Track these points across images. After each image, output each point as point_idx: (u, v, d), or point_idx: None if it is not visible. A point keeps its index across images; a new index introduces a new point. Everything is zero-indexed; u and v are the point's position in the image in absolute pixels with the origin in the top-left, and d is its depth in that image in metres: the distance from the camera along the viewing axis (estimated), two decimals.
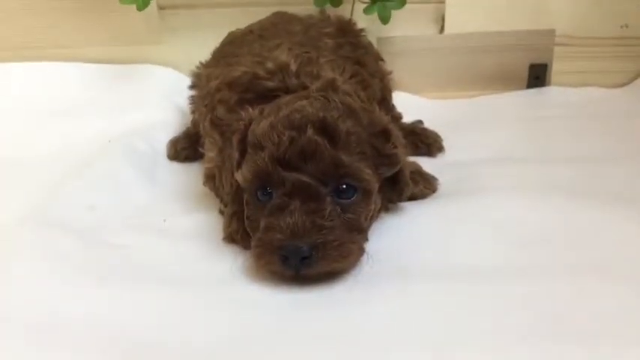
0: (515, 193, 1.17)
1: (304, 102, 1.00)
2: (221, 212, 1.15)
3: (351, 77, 1.20)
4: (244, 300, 0.95)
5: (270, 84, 1.11)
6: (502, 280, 0.95)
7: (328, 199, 0.96)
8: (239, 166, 1.03)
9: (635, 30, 1.69)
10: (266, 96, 1.11)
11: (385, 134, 1.04)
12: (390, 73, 1.44)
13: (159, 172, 1.37)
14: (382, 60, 1.43)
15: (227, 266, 1.02)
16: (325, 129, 0.96)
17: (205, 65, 1.37)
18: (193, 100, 1.41)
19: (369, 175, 0.99)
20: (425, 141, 1.39)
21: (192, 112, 1.43)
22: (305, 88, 1.09)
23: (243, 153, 1.03)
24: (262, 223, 0.97)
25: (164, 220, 1.17)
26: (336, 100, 1.01)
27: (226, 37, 1.42)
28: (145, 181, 1.32)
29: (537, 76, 1.73)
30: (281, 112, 0.99)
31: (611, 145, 1.40)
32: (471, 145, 1.45)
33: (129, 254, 1.06)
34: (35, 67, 1.66)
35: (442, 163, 1.36)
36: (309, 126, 0.96)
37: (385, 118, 1.08)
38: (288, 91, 1.10)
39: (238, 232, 1.06)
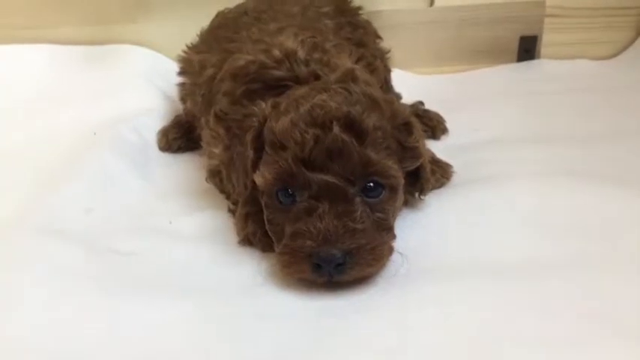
0: (534, 178, 1.13)
1: (324, 95, 0.93)
2: (231, 211, 1.09)
3: (357, 61, 1.13)
4: (273, 309, 0.89)
5: (277, 73, 1.03)
6: (538, 274, 0.91)
7: (357, 199, 0.91)
8: (255, 166, 0.96)
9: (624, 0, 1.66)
10: (274, 86, 1.04)
11: (407, 127, 0.99)
12: (389, 51, 1.38)
13: (152, 165, 1.29)
14: (380, 38, 1.37)
15: (248, 272, 0.97)
16: (351, 125, 0.90)
17: (196, 50, 1.28)
18: (184, 88, 1.32)
19: (396, 171, 0.94)
20: (428, 124, 1.34)
21: (183, 100, 1.34)
22: (316, 76, 1.03)
23: (258, 152, 0.96)
24: (289, 228, 0.91)
25: (170, 222, 1.09)
26: (358, 91, 0.95)
27: (216, 19, 1.33)
28: (139, 176, 1.24)
29: (527, 49, 1.70)
30: (301, 108, 0.92)
31: (616, 122, 1.38)
32: (471, 126, 1.41)
33: (139, 262, 0.99)
34: (2, 50, 1.54)
35: (447, 147, 1.31)
36: (334, 123, 0.90)
37: (406, 109, 1.02)
38: (297, 80, 1.03)
39: (256, 235, 1.00)
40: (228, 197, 1.12)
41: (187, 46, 1.35)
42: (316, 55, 1.05)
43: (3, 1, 1.56)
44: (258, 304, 0.90)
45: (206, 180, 1.15)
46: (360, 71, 1.03)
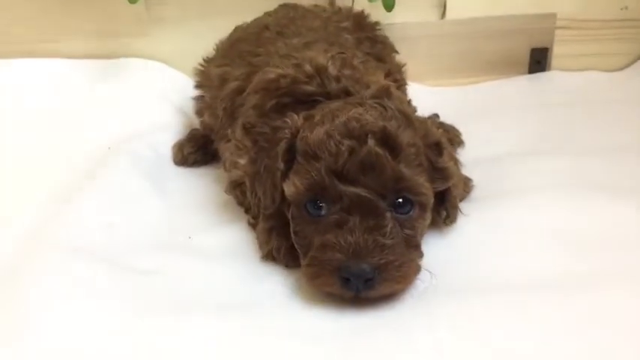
0: (557, 193, 1.12)
1: (360, 109, 0.93)
2: (251, 225, 1.08)
3: (385, 77, 1.13)
4: (300, 326, 0.88)
5: (309, 88, 1.03)
6: (567, 290, 0.90)
7: (388, 214, 0.90)
8: (284, 177, 0.95)
9: (635, 12, 1.67)
10: (303, 101, 1.04)
11: (438, 147, 0.99)
12: (404, 65, 1.38)
13: (169, 180, 1.28)
14: (397, 52, 1.37)
15: (273, 288, 0.96)
16: (386, 140, 0.90)
17: (215, 63, 1.28)
18: (201, 101, 1.31)
19: (427, 189, 0.94)
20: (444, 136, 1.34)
21: (200, 113, 1.34)
22: (347, 92, 1.03)
23: (288, 164, 0.95)
24: (317, 241, 0.90)
25: (190, 237, 1.08)
26: (392, 107, 0.94)
27: (234, 33, 1.33)
28: (156, 191, 1.22)
29: (539, 61, 1.70)
30: (337, 120, 0.92)
31: (632, 134, 1.38)
32: (486, 138, 1.40)
33: (162, 280, 0.97)
34: (13, 64, 1.53)
35: (464, 160, 1.30)
36: (369, 136, 0.89)
37: (437, 130, 1.02)
38: (328, 96, 1.03)
39: (280, 250, 0.99)
40: (247, 211, 1.12)
41: (204, 59, 1.35)
42: (347, 72, 1.05)
43: (8, 13, 1.54)
44: (285, 322, 0.89)
45: (225, 191, 1.15)
46: (393, 88, 1.03)
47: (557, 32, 1.68)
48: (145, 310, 0.91)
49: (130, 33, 1.58)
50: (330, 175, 0.89)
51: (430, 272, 0.92)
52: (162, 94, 1.49)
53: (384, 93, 0.99)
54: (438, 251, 1.00)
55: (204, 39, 1.55)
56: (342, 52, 1.11)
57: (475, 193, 1.15)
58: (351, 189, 0.88)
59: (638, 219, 1.03)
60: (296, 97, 1.04)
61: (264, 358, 0.83)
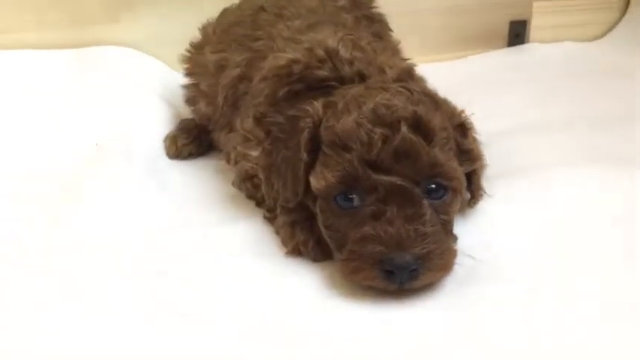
0: (567, 166, 1.12)
1: (387, 95, 0.89)
2: (268, 219, 1.03)
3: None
4: (341, 324, 0.84)
5: (322, 73, 0.99)
6: (604, 267, 0.90)
7: (425, 202, 0.87)
8: (308, 168, 0.91)
9: None
10: (316, 87, 0.99)
11: (463, 128, 0.96)
12: (399, 43, 1.34)
13: (166, 174, 1.21)
14: (391, 30, 1.33)
15: (307, 283, 0.91)
16: (418, 125, 0.86)
17: (209, 49, 1.21)
18: (194, 89, 1.25)
19: (460, 173, 0.92)
20: None
21: (192, 102, 1.27)
22: (361, 76, 0.99)
23: (311, 154, 0.91)
24: (354, 234, 0.86)
25: (204, 236, 1.02)
26: (418, 90, 0.91)
27: (226, 16, 1.26)
28: (156, 187, 1.15)
29: (518, 34, 1.70)
30: (364, 107, 0.88)
31: (620, 103, 1.39)
32: (480, 114, 1.38)
33: (188, 285, 0.91)
34: None
35: None
36: (401, 122, 0.85)
37: (460, 111, 0.99)
38: (342, 80, 0.99)
39: (307, 244, 0.95)
40: (259, 204, 1.07)
41: (191, 45, 1.28)
42: (358, 54, 1.01)
43: None
44: (325, 319, 0.85)
45: (233, 184, 1.10)
46: (415, 70, 0.99)
47: (535, 4, 1.68)
48: (162, 313, 0.86)
49: (99, 20, 1.49)
50: (364, 165, 0.85)
51: (471, 256, 0.90)
52: (141, 82, 1.41)
53: (406, 75, 0.96)
54: (465, 233, 0.97)
55: (178, 23, 1.50)
56: (351, 34, 1.06)
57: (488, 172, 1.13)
58: (386, 178, 0.85)
59: None
60: (308, 83, 1.00)
61: (326, 355, 0.79)
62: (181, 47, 1.32)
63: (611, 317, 0.81)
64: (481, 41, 1.69)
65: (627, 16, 1.72)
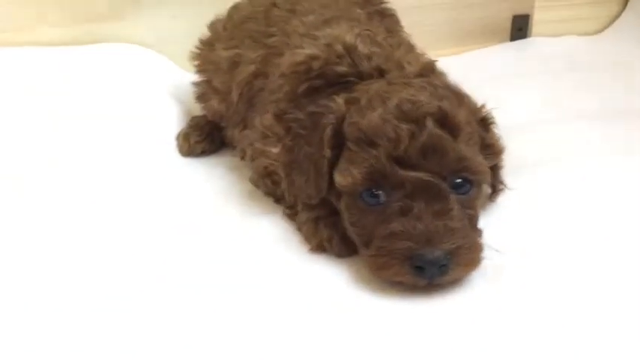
0: (582, 159, 1.15)
1: (411, 90, 0.89)
2: (288, 215, 1.03)
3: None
4: (371, 320, 0.83)
5: (341, 69, 0.99)
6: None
7: (452, 197, 0.87)
8: (331, 165, 0.91)
9: None
10: (335, 83, 0.99)
11: (485, 122, 0.97)
12: (410, 37, 1.34)
13: (180, 173, 1.20)
14: (401, 26, 1.32)
15: (335, 279, 0.91)
16: (444, 120, 0.87)
17: (221, 46, 1.20)
18: (207, 86, 1.24)
19: (485, 166, 0.92)
20: None
21: (203, 99, 1.27)
22: (380, 71, 0.99)
23: (334, 150, 0.91)
24: (381, 230, 0.86)
25: (224, 234, 1.01)
26: (441, 85, 0.91)
27: (236, 12, 1.25)
28: (171, 185, 1.15)
29: (520, 28, 1.70)
30: (389, 103, 0.88)
31: (626, 97, 1.41)
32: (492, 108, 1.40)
33: (212, 283, 0.91)
34: None
35: None
36: (427, 118, 0.86)
37: (481, 105, 0.99)
38: (361, 76, 0.98)
39: (332, 240, 0.95)
40: (278, 201, 1.07)
41: (201, 41, 1.27)
42: (376, 49, 1.01)
43: None
44: (355, 314, 0.84)
45: (250, 181, 1.10)
46: (436, 65, 0.99)
47: None
48: (196, 320, 0.85)
49: (105, 17, 1.47)
50: (391, 161, 0.85)
51: (497, 250, 0.90)
52: (149, 80, 1.40)
53: (429, 70, 0.96)
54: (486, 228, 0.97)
55: (184, 20, 1.48)
56: (368, 29, 1.06)
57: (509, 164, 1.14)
58: (414, 174, 0.85)
59: None
60: (328, 79, 1.00)
61: (364, 352, 0.79)
62: (187, 44, 1.31)
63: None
64: (484, 36, 1.70)
65: (627, 10, 1.74)
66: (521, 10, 1.69)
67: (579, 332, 0.79)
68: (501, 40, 1.71)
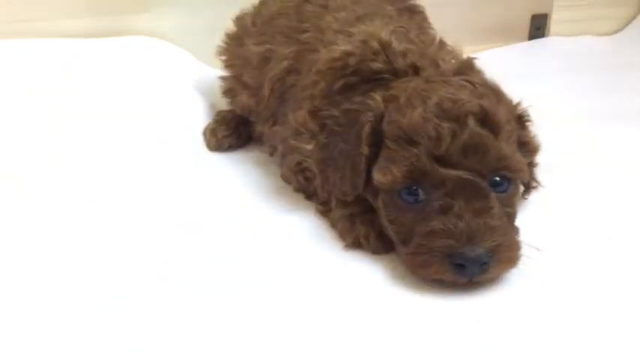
0: (607, 159, 1.17)
1: (451, 88, 0.90)
2: (321, 212, 1.03)
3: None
4: (411, 318, 0.84)
5: (377, 65, 0.99)
6: None
7: (492, 195, 0.87)
8: (369, 162, 0.91)
9: None
10: (370, 79, 0.99)
11: (521, 120, 0.97)
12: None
13: (208, 168, 1.20)
14: (429, 22, 1.32)
15: (373, 276, 0.91)
16: (485, 119, 0.87)
17: (252, 41, 1.19)
18: (234, 81, 1.24)
19: (524, 164, 0.92)
20: None
21: (230, 93, 1.27)
22: (415, 68, 0.99)
23: (371, 147, 0.91)
24: (421, 228, 0.86)
25: (251, 230, 1.01)
26: (480, 83, 0.92)
27: (266, 7, 1.24)
28: (200, 180, 1.15)
29: (538, 27, 1.71)
30: (429, 101, 0.88)
31: None
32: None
33: (249, 277, 0.91)
34: (5, 45, 1.37)
35: None
36: (469, 117, 0.86)
37: (517, 102, 0.99)
38: (396, 73, 0.98)
39: (369, 237, 0.95)
40: (309, 197, 1.07)
41: (228, 36, 1.27)
42: (410, 46, 1.01)
43: None
44: (393, 312, 0.85)
45: (282, 177, 1.10)
46: (475, 62, 1.00)
47: None
48: (226, 302, 0.85)
49: (128, 9, 1.47)
50: (431, 160, 0.85)
51: (536, 248, 0.90)
52: (173, 74, 1.40)
53: (467, 68, 0.97)
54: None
55: (205, 14, 1.49)
56: (401, 26, 1.06)
57: None
58: (454, 172, 0.85)
59: None
60: (363, 76, 1.00)
61: (406, 350, 0.79)
62: (210, 39, 1.32)
63: None
64: (502, 34, 1.71)
65: None
66: (539, 10, 1.71)
67: (612, 330, 0.80)
68: (520, 39, 1.72)
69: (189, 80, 1.40)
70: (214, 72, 1.35)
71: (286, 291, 0.88)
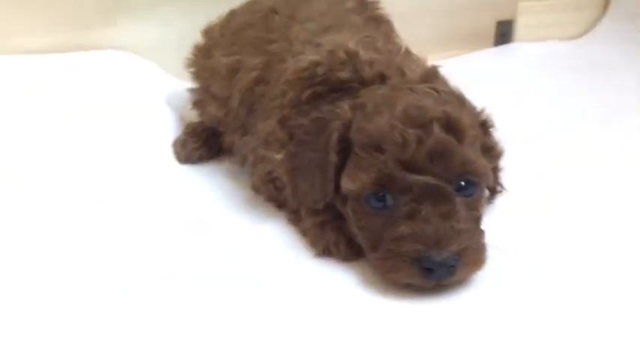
0: (572, 161, 1.19)
1: (416, 96, 0.92)
2: (291, 221, 1.04)
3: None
4: (383, 322, 0.85)
5: (344, 75, 1.00)
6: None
7: (458, 199, 0.89)
8: (339, 170, 0.93)
9: None
10: (337, 89, 1.00)
11: (485, 126, 1.00)
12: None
13: (178, 181, 1.20)
14: (396, 32, 1.34)
15: (343, 282, 0.92)
16: (450, 125, 0.89)
17: (220, 52, 1.20)
18: (204, 92, 1.25)
19: (489, 169, 0.94)
20: None
21: (200, 105, 1.27)
22: (382, 77, 1.00)
23: (339, 155, 0.93)
24: (389, 233, 0.88)
25: (230, 244, 1.02)
26: (444, 90, 0.94)
27: (234, 18, 1.25)
28: (171, 193, 1.15)
29: (504, 33, 1.74)
30: (395, 108, 0.89)
31: (608, 100, 1.46)
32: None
33: (220, 288, 0.91)
34: None
35: None
36: (434, 123, 0.88)
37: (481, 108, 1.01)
38: (363, 82, 1.00)
39: (339, 244, 0.96)
40: (280, 206, 1.08)
41: (196, 48, 1.28)
42: (377, 56, 1.03)
43: None
44: (364, 317, 0.86)
45: (252, 187, 1.11)
46: (438, 70, 1.02)
47: (520, 4, 1.72)
48: (198, 316, 0.86)
49: (94, 23, 1.46)
50: (398, 166, 0.87)
51: (500, 249, 0.92)
52: (142, 87, 1.39)
53: (432, 76, 0.99)
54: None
55: (176, 27, 1.49)
56: (368, 36, 1.08)
57: None
58: (421, 178, 0.87)
59: None
60: (331, 85, 1.01)
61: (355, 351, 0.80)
62: (178, 52, 1.32)
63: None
64: (468, 41, 1.73)
65: (607, 14, 1.78)
66: (504, 16, 1.73)
67: (580, 329, 0.81)
68: (486, 46, 1.74)
69: (158, 93, 1.40)
70: (183, 85, 1.36)
71: (259, 300, 0.89)
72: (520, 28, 1.75)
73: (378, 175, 0.88)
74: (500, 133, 1.18)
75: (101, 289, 0.91)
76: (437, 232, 0.85)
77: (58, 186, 1.14)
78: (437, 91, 0.93)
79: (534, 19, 1.74)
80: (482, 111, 1.01)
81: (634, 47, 1.67)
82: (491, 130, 1.01)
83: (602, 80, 1.58)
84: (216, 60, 1.20)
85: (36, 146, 1.23)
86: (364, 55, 1.02)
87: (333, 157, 0.93)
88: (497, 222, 1.01)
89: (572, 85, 1.56)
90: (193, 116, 1.33)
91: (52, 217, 1.07)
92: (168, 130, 1.32)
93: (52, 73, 1.38)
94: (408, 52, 1.12)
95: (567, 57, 1.70)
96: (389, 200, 0.89)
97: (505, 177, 1.09)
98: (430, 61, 1.65)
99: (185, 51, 1.31)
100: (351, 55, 1.01)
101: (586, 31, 1.78)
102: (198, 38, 1.31)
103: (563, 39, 1.77)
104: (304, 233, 1.01)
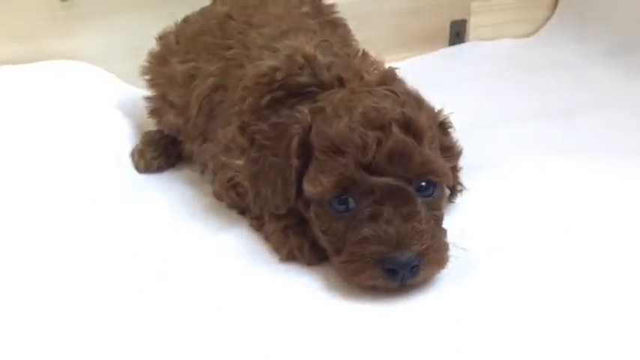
0: (530, 160, 1.19)
1: (374, 98, 0.92)
2: (254, 227, 1.04)
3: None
4: (354, 320, 0.85)
5: (303, 79, 1.00)
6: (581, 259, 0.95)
7: (419, 200, 0.90)
8: (300, 174, 0.93)
9: None
10: (296, 93, 1.00)
11: (443, 126, 1.01)
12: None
13: (138, 190, 1.19)
14: (353, 35, 1.35)
15: (307, 287, 0.92)
16: (408, 126, 0.90)
17: (176, 59, 1.19)
18: (160, 100, 1.24)
19: (448, 169, 0.95)
20: None
21: (157, 114, 1.26)
22: (340, 80, 1.01)
23: (300, 159, 0.93)
24: (352, 236, 0.88)
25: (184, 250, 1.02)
26: (403, 92, 0.94)
27: (189, 26, 1.24)
28: (131, 203, 1.14)
29: (458, 32, 1.76)
30: (354, 111, 0.90)
31: (565, 96, 1.49)
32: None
33: (183, 297, 0.91)
34: None
35: None
36: (392, 124, 0.88)
37: (439, 109, 1.02)
38: (322, 85, 1.00)
39: (302, 248, 0.96)
40: (242, 212, 1.08)
41: (151, 55, 1.27)
42: (335, 59, 1.03)
43: None
44: (330, 321, 0.86)
45: (214, 194, 1.11)
46: (396, 72, 1.02)
47: (473, 4, 1.75)
48: (165, 326, 0.85)
49: (46, 34, 1.44)
50: (359, 168, 0.88)
51: (463, 248, 0.93)
52: (98, 96, 1.37)
53: (389, 78, 0.99)
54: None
55: (131, 35, 1.47)
56: (325, 40, 1.08)
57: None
58: (382, 179, 0.88)
59: (621, 177, 1.11)
60: (290, 90, 1.01)
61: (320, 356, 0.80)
62: (133, 59, 1.31)
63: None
64: (423, 42, 1.75)
65: (557, 13, 1.82)
66: (458, 16, 1.76)
67: (541, 326, 0.82)
68: (441, 46, 1.77)
69: (115, 102, 1.38)
70: (140, 93, 1.34)
71: (223, 307, 0.88)
72: (474, 28, 1.77)
73: (339, 178, 0.88)
74: (458, 133, 1.22)
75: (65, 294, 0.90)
76: (399, 233, 0.86)
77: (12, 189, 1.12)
78: (395, 93, 0.94)
79: (487, 19, 1.78)
80: (440, 111, 1.02)
81: (584, 45, 1.71)
82: (449, 130, 1.02)
83: (556, 77, 1.61)
84: (172, 67, 1.19)
85: None
86: (322, 59, 1.02)
87: (294, 162, 0.93)
88: (458, 221, 1.03)
89: (526, 83, 1.59)
90: (151, 124, 1.32)
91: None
92: (125, 139, 1.30)
93: (6, 84, 1.35)
94: (365, 55, 1.12)
95: (519, 55, 1.74)
96: (351, 203, 0.90)
97: (464, 176, 1.11)
98: (387, 63, 1.69)
99: (141, 59, 1.30)
100: (310, 60, 1.02)
101: (537, 30, 1.82)
102: (153, 45, 1.30)
103: (515, 37, 1.80)
104: (267, 238, 1.01)
